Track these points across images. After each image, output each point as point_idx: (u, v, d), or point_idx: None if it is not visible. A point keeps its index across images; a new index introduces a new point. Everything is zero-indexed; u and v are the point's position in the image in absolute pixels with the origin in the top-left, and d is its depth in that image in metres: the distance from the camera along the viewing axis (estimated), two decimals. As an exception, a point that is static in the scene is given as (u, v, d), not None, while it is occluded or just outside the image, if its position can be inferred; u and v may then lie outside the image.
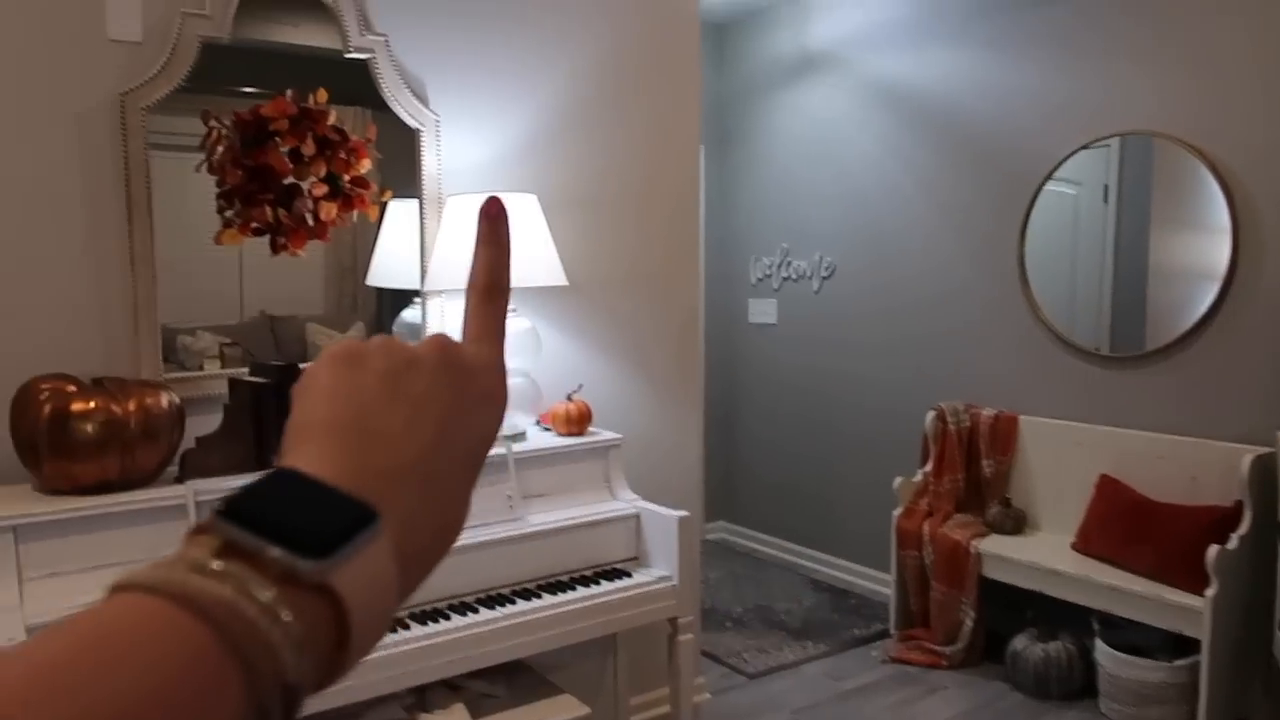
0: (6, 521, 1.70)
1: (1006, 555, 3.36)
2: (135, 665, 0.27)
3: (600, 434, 2.50)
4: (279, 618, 0.29)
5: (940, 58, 3.96)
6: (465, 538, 2.15)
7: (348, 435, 0.37)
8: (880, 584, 4.20)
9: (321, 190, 2.20)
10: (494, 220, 0.46)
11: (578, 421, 2.47)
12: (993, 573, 3.40)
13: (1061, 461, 3.51)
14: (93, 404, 1.79)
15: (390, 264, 2.47)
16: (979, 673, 3.44)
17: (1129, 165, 3.41)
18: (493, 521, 2.20)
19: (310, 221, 2.19)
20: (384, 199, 2.36)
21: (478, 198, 2.34)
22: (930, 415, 3.78)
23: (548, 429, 2.52)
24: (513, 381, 2.40)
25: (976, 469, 3.73)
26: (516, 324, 2.42)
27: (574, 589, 2.20)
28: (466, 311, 0.45)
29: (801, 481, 4.73)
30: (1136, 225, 3.40)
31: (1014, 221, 3.72)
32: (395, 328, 2.51)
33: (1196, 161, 3.16)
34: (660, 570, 2.33)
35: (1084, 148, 3.48)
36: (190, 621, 0.28)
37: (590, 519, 2.33)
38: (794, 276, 4.67)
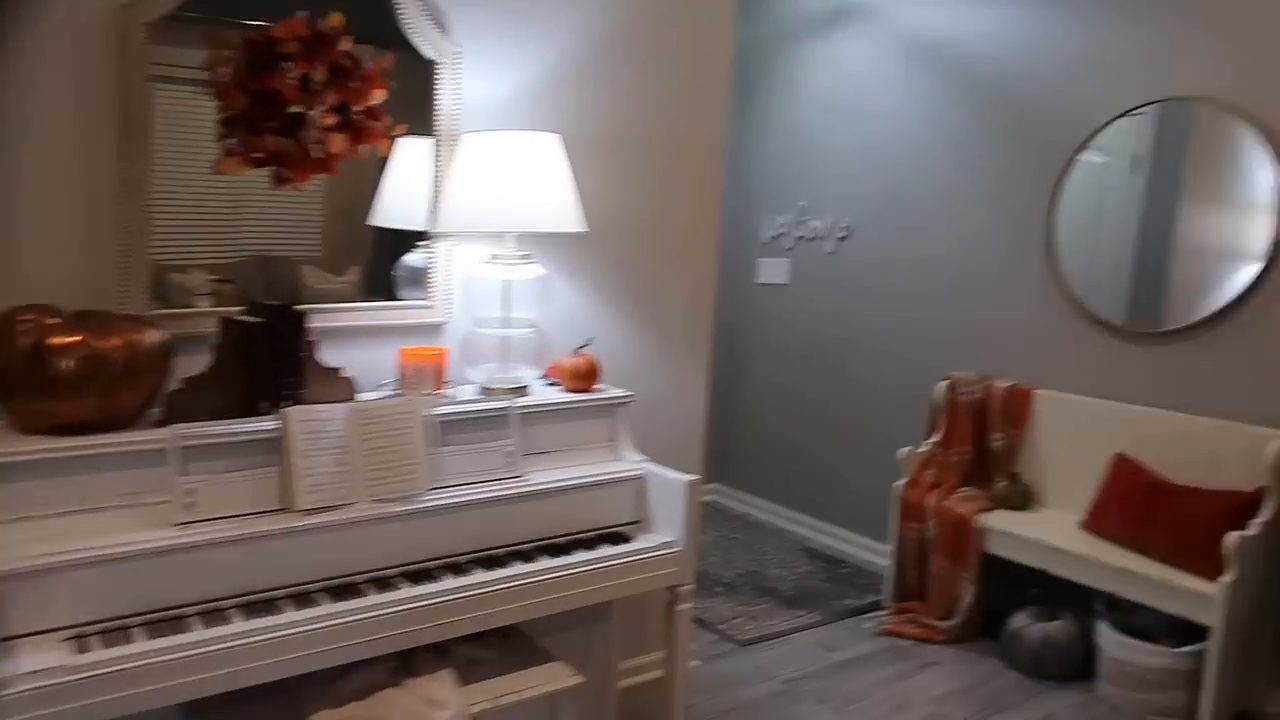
0: (-22, 459, 1.60)
1: (1011, 531, 3.29)
2: None
3: (608, 391, 2.40)
4: None
5: (981, 13, 3.79)
6: (460, 495, 2.08)
7: None
8: (876, 554, 4.14)
9: (330, 120, 2.06)
10: None
11: (586, 377, 2.36)
12: (996, 548, 3.34)
13: (1076, 438, 3.43)
14: (74, 338, 1.67)
15: (397, 205, 2.33)
16: (974, 649, 3.39)
17: (1166, 135, 3.28)
18: (490, 479, 2.10)
19: (317, 154, 2.06)
20: (396, 133, 2.22)
21: (496, 136, 2.20)
22: (941, 385, 3.69)
23: (554, 383, 2.41)
24: (520, 332, 2.29)
25: (986, 442, 3.65)
26: (528, 271, 2.30)
27: (572, 552, 2.11)
28: None
29: (800, 446, 4.65)
30: (1165, 198, 3.28)
31: (1046, 191, 3.59)
32: (397, 271, 2.39)
33: (1243, 131, 3.04)
34: (663, 535, 2.24)
35: (1123, 115, 3.34)
36: None
37: (594, 479, 2.23)
38: (809, 236, 4.54)
